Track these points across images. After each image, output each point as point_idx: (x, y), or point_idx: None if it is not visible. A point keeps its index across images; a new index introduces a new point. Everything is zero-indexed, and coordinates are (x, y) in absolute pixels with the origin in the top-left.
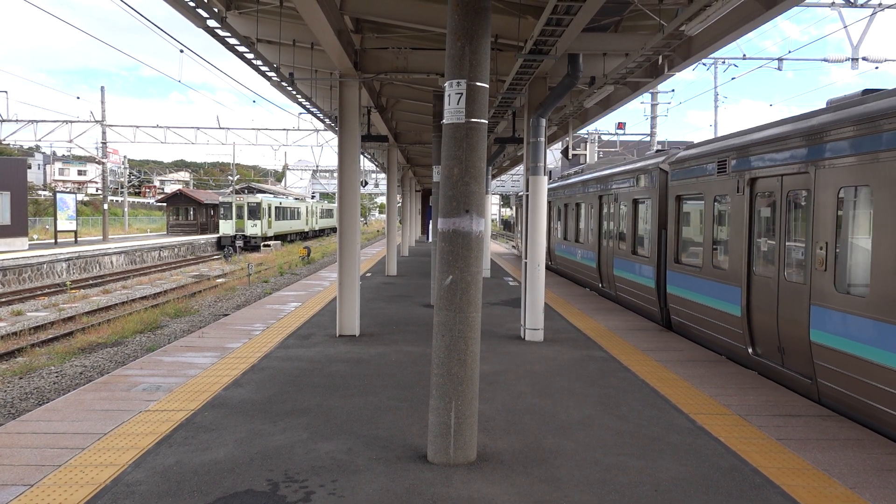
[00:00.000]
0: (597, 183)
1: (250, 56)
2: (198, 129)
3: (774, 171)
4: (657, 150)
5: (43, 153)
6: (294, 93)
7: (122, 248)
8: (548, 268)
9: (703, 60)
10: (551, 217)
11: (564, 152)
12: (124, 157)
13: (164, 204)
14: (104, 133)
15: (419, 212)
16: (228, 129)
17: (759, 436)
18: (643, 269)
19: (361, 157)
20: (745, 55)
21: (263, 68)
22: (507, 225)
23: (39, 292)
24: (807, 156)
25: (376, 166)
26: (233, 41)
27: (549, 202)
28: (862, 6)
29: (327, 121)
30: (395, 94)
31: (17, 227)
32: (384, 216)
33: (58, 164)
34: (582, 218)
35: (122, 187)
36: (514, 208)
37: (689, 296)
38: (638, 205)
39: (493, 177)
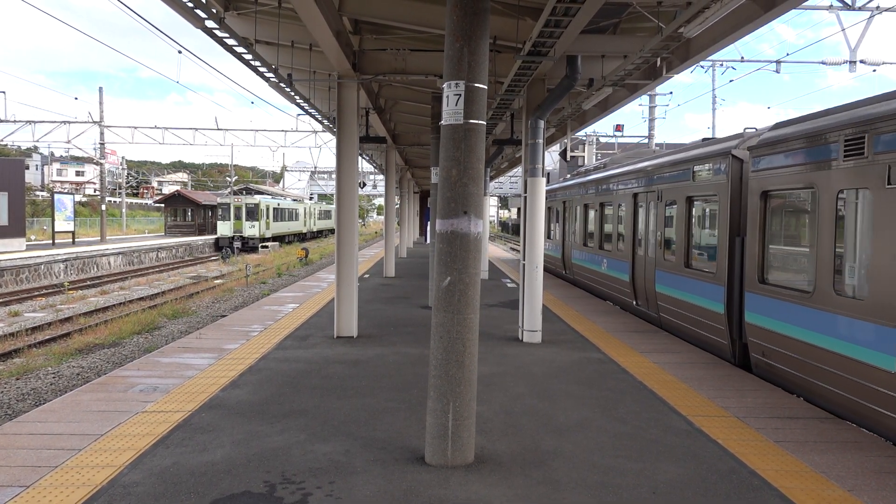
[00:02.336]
0: (630, 178)
1: (248, 57)
2: (196, 130)
3: None
4: (731, 136)
5: (41, 154)
6: (292, 94)
7: (120, 248)
8: (561, 277)
9: (702, 63)
10: (566, 219)
11: (563, 154)
12: (122, 157)
13: (162, 205)
14: (102, 134)
15: (417, 213)
16: (227, 130)
17: (757, 438)
18: (704, 289)
19: (360, 158)
20: (742, 57)
21: (262, 69)
22: (505, 227)
23: (37, 293)
24: None
25: (374, 168)
26: (231, 42)
27: (563, 202)
28: (860, 9)
29: (325, 122)
30: (394, 95)
31: (14, 228)
32: (382, 217)
33: (56, 165)
34: (609, 221)
35: (119, 188)
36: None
37: (788, 331)
38: (693, 204)
39: (492, 178)
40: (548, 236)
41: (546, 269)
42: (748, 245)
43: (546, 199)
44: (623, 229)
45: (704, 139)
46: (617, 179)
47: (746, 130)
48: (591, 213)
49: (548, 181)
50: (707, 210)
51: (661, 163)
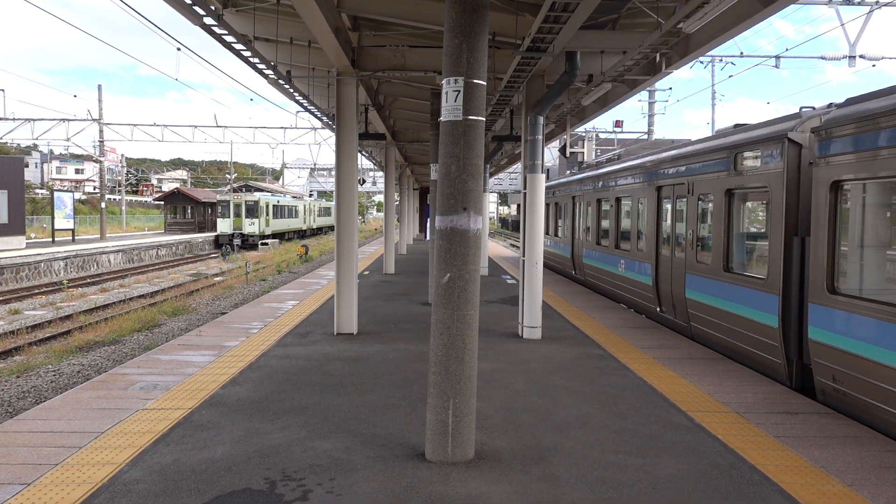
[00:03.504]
0: (653, 170)
1: (247, 54)
2: (195, 127)
3: None
4: (783, 117)
5: (40, 152)
6: (291, 91)
7: (120, 246)
8: (570, 278)
9: (701, 58)
10: (576, 216)
11: (562, 150)
12: (122, 155)
13: (162, 202)
14: (101, 131)
15: (417, 210)
16: (226, 127)
17: (757, 433)
18: (750, 297)
19: (359, 155)
20: (742, 53)
21: (261, 66)
22: (505, 223)
23: (37, 291)
24: None
25: (374, 164)
26: (230, 39)
27: (572, 197)
28: (859, 4)
29: (325, 119)
30: (393, 92)
31: (14, 226)
32: (382, 214)
33: (55, 163)
34: (627, 217)
35: (119, 186)
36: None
37: (875, 355)
38: (734, 198)
39: (491, 175)
40: (555, 234)
41: (553, 269)
42: (812, 246)
43: (553, 193)
44: (644, 227)
45: (737, 125)
46: (636, 171)
47: (804, 110)
48: (606, 209)
49: (547, 177)
50: (753, 204)
51: (692, 151)
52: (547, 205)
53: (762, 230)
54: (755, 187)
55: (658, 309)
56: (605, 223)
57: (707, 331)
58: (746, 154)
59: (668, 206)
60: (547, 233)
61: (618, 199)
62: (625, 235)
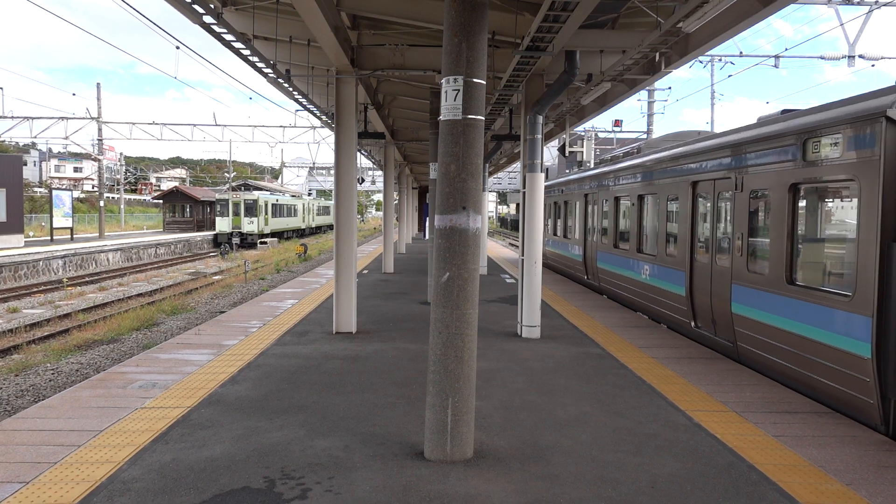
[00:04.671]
0: (686, 163)
1: (247, 53)
2: (194, 126)
3: None
4: (873, 92)
5: (39, 150)
6: (291, 90)
7: (119, 245)
8: (583, 283)
9: (700, 58)
10: (588, 216)
11: (561, 149)
12: (120, 154)
13: (161, 201)
14: (100, 130)
15: (416, 209)
16: (225, 126)
17: (756, 432)
18: (827, 318)
19: (358, 154)
20: (741, 52)
21: (260, 65)
22: (504, 222)
23: (35, 289)
24: None
25: (373, 163)
26: (229, 37)
27: (584, 195)
28: (858, 3)
29: (324, 118)
30: (392, 90)
31: (12, 224)
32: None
33: (54, 161)
34: (653, 217)
35: (118, 184)
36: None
37: None
38: (802, 194)
39: (490, 174)
40: (564, 235)
41: (562, 273)
42: None
43: (562, 191)
44: (676, 228)
45: (784, 111)
46: (664, 165)
47: None
48: (626, 208)
49: (546, 176)
50: (831, 202)
51: (741, 140)
52: (555, 203)
53: (845, 234)
54: (836, 180)
55: (692, 324)
56: (624, 223)
57: (761, 354)
58: (824, 139)
59: (707, 205)
60: (555, 234)
61: (640, 197)
62: (649, 238)
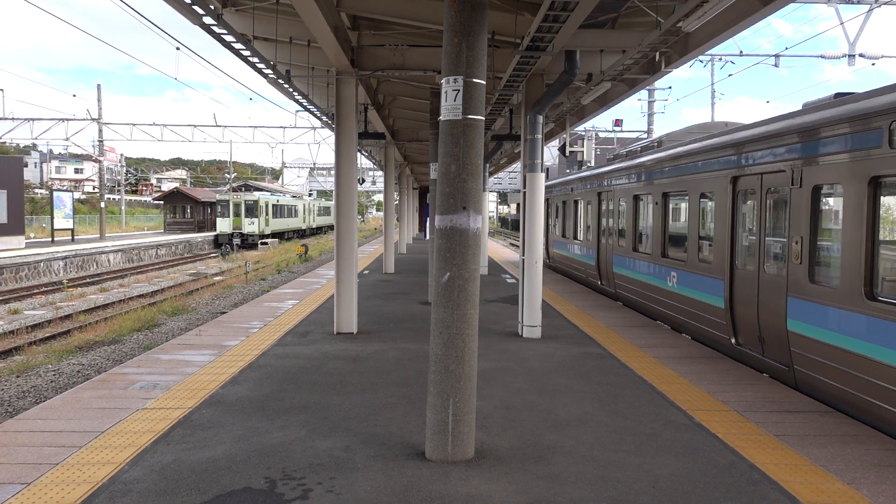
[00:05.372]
0: (725, 155)
1: (247, 53)
2: (195, 126)
3: None
4: None
5: (39, 151)
6: (291, 90)
7: (119, 246)
8: (596, 289)
9: (700, 57)
10: (602, 216)
11: (562, 149)
12: (121, 155)
13: (162, 202)
14: (100, 131)
15: (416, 209)
16: (225, 126)
17: (757, 432)
18: None
19: (358, 154)
20: (741, 52)
21: (260, 66)
22: (504, 222)
23: (36, 291)
24: None
25: (374, 164)
26: (229, 38)
27: (597, 194)
28: (858, 2)
29: (324, 118)
30: (392, 91)
31: (13, 226)
32: (381, 214)
33: (54, 163)
34: (680, 218)
35: (118, 185)
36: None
37: None
38: (881, 188)
39: (491, 174)
40: (575, 236)
41: (572, 277)
42: None
43: (572, 190)
44: (711, 230)
45: (838, 94)
46: (696, 159)
47: None
48: (648, 207)
49: (547, 176)
50: None
51: (799, 126)
52: (564, 203)
53: None
54: None
55: (733, 340)
56: (645, 224)
57: (828, 382)
58: None
59: (752, 203)
60: (564, 235)
61: (665, 195)
62: (677, 240)
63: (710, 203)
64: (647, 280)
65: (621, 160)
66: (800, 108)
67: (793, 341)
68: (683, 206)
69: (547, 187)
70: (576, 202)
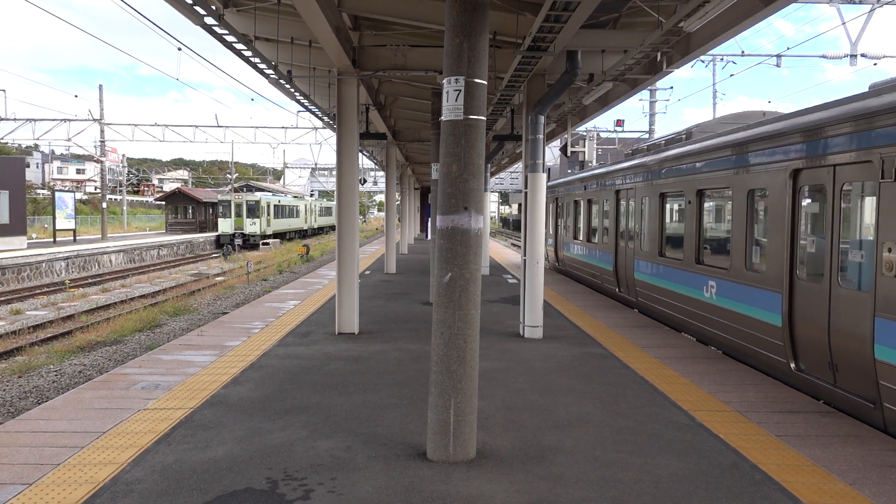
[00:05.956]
0: (787, 145)
1: (248, 54)
2: (196, 127)
3: None
4: None
5: (41, 152)
6: (292, 91)
7: (121, 246)
8: (613, 296)
9: (702, 57)
10: (621, 216)
11: (563, 149)
12: (123, 155)
13: (163, 202)
14: (102, 131)
15: (418, 209)
16: (227, 127)
17: (759, 432)
18: None
19: (360, 155)
20: (743, 52)
21: (261, 66)
22: (506, 223)
23: (38, 291)
24: None
25: (375, 164)
26: (230, 39)
27: (615, 192)
28: (860, 2)
29: (326, 119)
30: (394, 91)
31: (15, 226)
32: (383, 214)
33: (56, 163)
34: (721, 220)
35: (120, 186)
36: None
37: None
38: None
39: (492, 174)
40: (588, 238)
41: (586, 283)
42: None
43: (585, 188)
44: (764, 234)
45: (874, 85)
46: (744, 151)
47: None
48: (678, 207)
49: (548, 177)
50: None
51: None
52: (575, 203)
53: None
54: None
55: (792, 365)
56: (674, 226)
57: None
58: None
59: (821, 202)
60: (576, 237)
61: (700, 193)
62: (716, 245)
63: (761, 201)
64: (677, 289)
65: (643, 155)
66: (866, 90)
67: (882, 373)
68: (724, 205)
69: (556, 186)
70: (589, 201)
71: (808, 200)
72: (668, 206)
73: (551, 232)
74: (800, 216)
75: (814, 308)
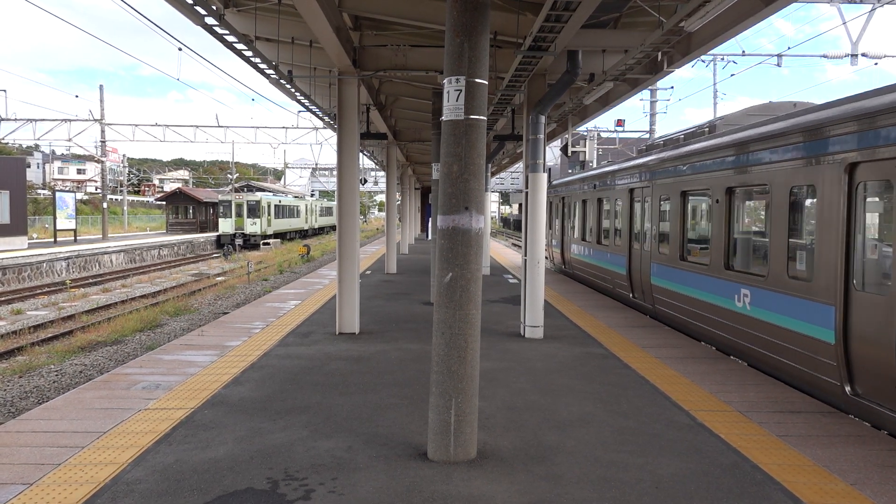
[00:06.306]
0: (836, 133)
1: (249, 54)
2: (197, 127)
3: None
4: None
5: (42, 152)
6: (293, 91)
7: (122, 246)
8: (627, 302)
9: (703, 57)
10: (635, 217)
11: (564, 149)
12: (123, 155)
13: (164, 202)
14: (103, 132)
15: (418, 209)
16: (227, 127)
17: (760, 432)
18: None
19: (361, 155)
20: (744, 51)
21: (262, 66)
22: (507, 223)
23: (39, 291)
24: None
25: (375, 164)
26: (231, 39)
27: (629, 191)
28: (861, 2)
29: (326, 119)
30: (395, 91)
31: (16, 226)
32: (384, 214)
33: (57, 163)
34: (757, 221)
35: (121, 186)
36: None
37: None
38: None
39: (493, 174)
40: (599, 240)
41: (596, 288)
42: None
43: (594, 187)
44: (811, 237)
45: None
46: (786, 143)
47: None
48: (704, 207)
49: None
50: None
51: None
52: (584, 202)
53: None
54: None
55: (847, 389)
56: (698, 228)
57: None
58: None
59: (886, 201)
60: (584, 238)
61: (729, 191)
62: (750, 248)
63: (806, 200)
64: (703, 297)
65: (660, 150)
66: None
67: None
68: (758, 204)
69: (562, 185)
70: (599, 200)
71: (870, 198)
72: (690, 206)
73: (557, 233)
74: (857, 217)
75: (877, 325)
